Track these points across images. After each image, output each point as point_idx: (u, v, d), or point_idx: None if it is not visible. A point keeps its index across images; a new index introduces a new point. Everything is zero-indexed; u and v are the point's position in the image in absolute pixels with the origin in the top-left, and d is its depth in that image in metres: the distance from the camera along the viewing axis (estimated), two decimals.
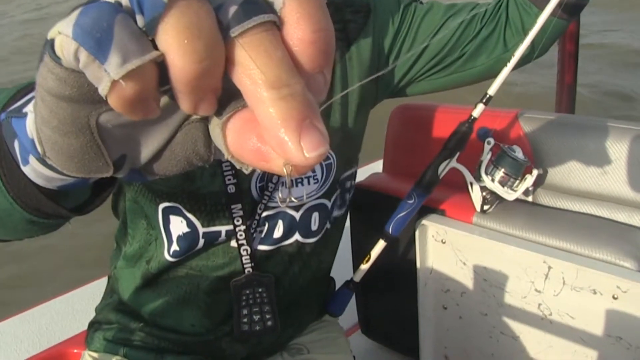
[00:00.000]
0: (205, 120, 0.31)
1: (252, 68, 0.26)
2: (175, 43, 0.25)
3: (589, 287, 1.01)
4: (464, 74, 1.07)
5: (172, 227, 0.95)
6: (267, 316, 1.00)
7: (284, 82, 0.26)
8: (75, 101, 0.30)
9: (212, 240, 0.95)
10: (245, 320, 0.99)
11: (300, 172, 0.28)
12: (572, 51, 1.79)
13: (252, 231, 0.97)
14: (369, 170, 1.53)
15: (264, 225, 0.98)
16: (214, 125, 0.30)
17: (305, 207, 0.99)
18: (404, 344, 1.43)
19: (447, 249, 1.17)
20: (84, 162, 0.33)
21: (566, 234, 1.04)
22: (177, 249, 0.95)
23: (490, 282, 1.13)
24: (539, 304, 1.09)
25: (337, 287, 1.24)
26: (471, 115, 1.05)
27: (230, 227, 0.95)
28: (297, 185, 0.98)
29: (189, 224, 0.94)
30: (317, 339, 1.15)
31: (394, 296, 1.38)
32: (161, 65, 0.26)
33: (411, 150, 1.34)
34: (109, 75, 0.26)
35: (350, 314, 1.32)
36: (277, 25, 0.27)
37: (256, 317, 0.99)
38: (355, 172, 1.10)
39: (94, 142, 0.32)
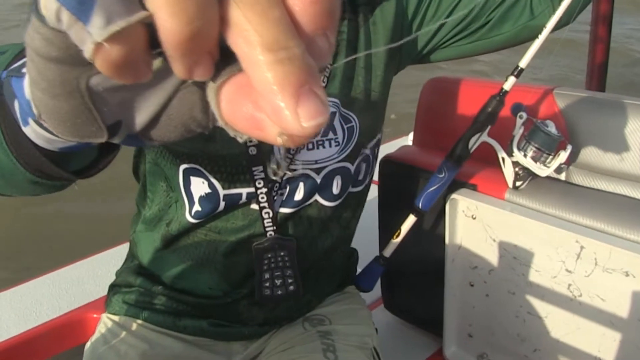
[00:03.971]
0: (203, 85, 0.30)
1: (247, 29, 0.24)
2: (164, 2, 0.24)
3: (621, 269, 1.02)
4: (490, 40, 1.08)
5: (193, 188, 0.97)
6: (290, 280, 1.02)
7: (281, 45, 0.24)
8: (63, 62, 0.29)
9: (232, 202, 0.98)
10: (267, 284, 1.02)
11: (296, 142, 0.27)
12: (604, 29, 1.79)
13: (273, 194, 0.98)
14: (399, 143, 1.53)
15: (286, 187, 1.00)
16: (210, 90, 0.29)
17: (326, 170, 1.01)
18: (427, 320, 1.45)
19: (477, 225, 1.17)
20: (76, 126, 0.32)
21: (600, 214, 1.04)
22: (200, 209, 0.98)
23: (519, 260, 1.14)
24: (569, 285, 1.09)
25: (359, 260, 1.26)
26: (502, 89, 1.06)
27: (251, 189, 0.97)
28: (317, 148, 0.99)
29: (210, 185, 0.96)
30: (339, 310, 1.17)
31: (419, 271, 1.39)
32: (152, 27, 0.25)
33: (442, 124, 1.34)
34: (92, 37, 0.25)
35: (373, 288, 1.33)
36: None
37: (278, 282, 1.02)
38: (379, 139, 1.11)
39: (85, 106, 0.31)
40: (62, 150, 0.41)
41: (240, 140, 0.30)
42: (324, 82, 1.00)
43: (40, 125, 0.36)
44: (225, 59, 0.27)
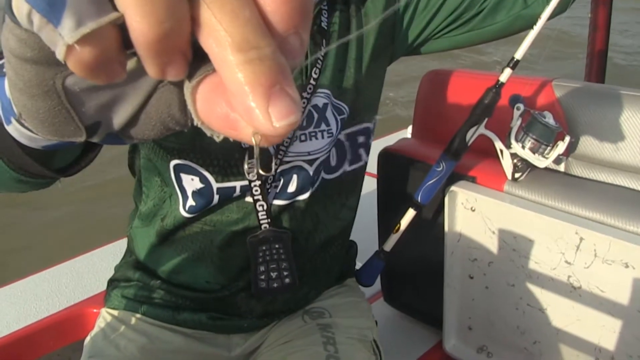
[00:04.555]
0: (181, 83, 0.29)
1: (217, 29, 0.24)
2: (133, 3, 0.24)
3: (621, 260, 1.02)
4: (483, 30, 1.09)
5: (185, 184, 0.97)
6: (285, 273, 1.02)
7: (252, 44, 0.24)
8: (38, 63, 0.29)
9: (226, 195, 0.98)
10: (262, 277, 1.02)
11: (270, 142, 0.27)
12: (604, 17, 1.79)
13: (267, 186, 0.99)
14: (399, 136, 1.53)
15: (279, 180, 1.00)
16: (186, 89, 0.29)
17: (318, 161, 1.01)
18: (427, 313, 1.46)
19: (477, 217, 1.18)
20: (54, 125, 0.32)
21: (599, 206, 1.04)
22: (193, 204, 0.98)
23: (519, 252, 1.14)
24: (569, 276, 1.10)
25: (359, 254, 1.27)
26: (498, 80, 1.06)
27: (245, 182, 0.97)
28: (310, 139, 0.99)
29: (202, 179, 0.96)
30: (339, 303, 1.18)
31: (419, 264, 1.40)
32: (125, 27, 0.25)
33: (441, 116, 1.34)
34: (63, 39, 0.25)
35: None
36: None
37: (274, 274, 1.02)
38: (370, 129, 1.10)
39: (62, 106, 0.31)
40: (45, 149, 0.41)
41: (217, 139, 0.30)
42: (315, 73, 1.00)
43: (22, 124, 0.36)
44: (200, 58, 0.27)
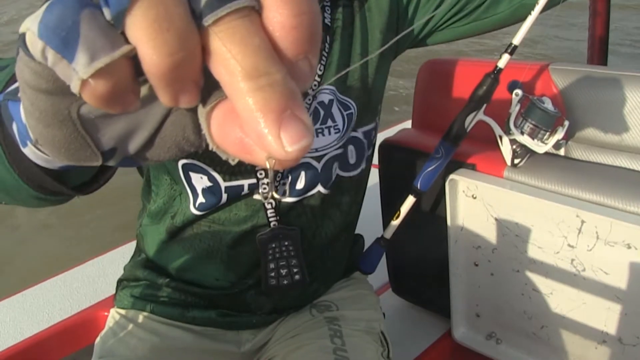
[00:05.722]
0: (195, 106, 0.30)
1: (227, 58, 0.25)
2: (145, 36, 0.25)
3: (623, 242, 1.03)
4: (486, 21, 1.09)
5: (194, 182, 0.99)
6: (295, 270, 1.04)
7: (261, 72, 0.25)
8: (53, 94, 0.30)
9: (235, 194, 0.99)
10: (272, 274, 1.03)
11: (284, 166, 0.27)
12: (603, 3, 1.79)
13: (275, 184, 1.00)
14: (400, 128, 1.54)
15: (287, 177, 1.01)
16: (200, 115, 0.30)
17: (326, 157, 1.02)
18: (435, 302, 1.47)
19: (478, 205, 1.19)
20: (70, 151, 0.33)
21: (600, 187, 1.05)
22: (203, 201, 1.00)
23: (522, 237, 1.15)
24: (572, 260, 1.11)
25: (365, 244, 1.28)
26: (496, 66, 1.07)
27: (253, 180, 0.99)
28: (317, 136, 1.01)
29: (210, 178, 0.98)
30: (346, 296, 1.19)
31: (424, 254, 1.41)
32: (137, 56, 0.26)
33: (440, 105, 1.35)
34: (77, 74, 0.26)
35: (381, 273, 1.35)
36: (256, 9, 0.26)
37: (283, 272, 1.03)
38: (377, 124, 1.12)
39: (77, 134, 0.32)
40: (61, 169, 0.43)
41: (232, 162, 0.31)
42: (320, 70, 1.01)
43: (38, 149, 0.37)
44: (214, 82, 0.27)
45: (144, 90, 0.30)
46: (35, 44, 0.27)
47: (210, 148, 0.30)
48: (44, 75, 0.29)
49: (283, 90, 0.25)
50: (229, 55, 0.25)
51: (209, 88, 0.28)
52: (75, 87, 0.27)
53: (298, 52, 0.26)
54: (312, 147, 1.00)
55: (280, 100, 0.25)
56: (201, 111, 0.29)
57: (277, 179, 1.01)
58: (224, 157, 0.30)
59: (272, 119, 0.25)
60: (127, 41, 0.26)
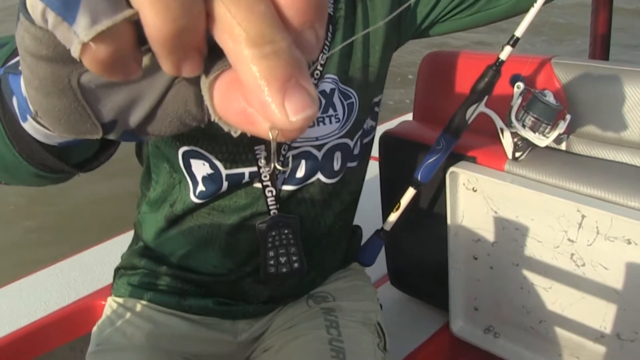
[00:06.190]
0: (197, 78, 0.30)
1: (232, 24, 0.24)
2: (148, 1, 0.24)
3: (623, 237, 1.02)
4: (488, 12, 1.09)
5: (194, 170, 0.99)
6: (294, 258, 1.04)
7: (267, 39, 0.24)
8: (53, 61, 0.29)
9: (235, 182, 0.99)
10: (272, 262, 1.03)
11: (287, 137, 0.27)
12: None
13: (276, 172, 1.00)
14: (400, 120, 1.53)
15: (288, 165, 1.01)
16: (203, 85, 0.29)
17: (327, 146, 1.02)
18: (433, 295, 1.47)
19: (478, 198, 1.18)
20: (70, 123, 0.32)
21: (600, 182, 1.05)
22: (203, 189, 1.00)
23: (522, 231, 1.15)
24: (572, 254, 1.10)
25: (364, 237, 1.27)
26: (498, 58, 1.06)
27: (254, 168, 0.99)
28: (318, 124, 1.00)
29: (212, 166, 0.98)
30: (343, 287, 1.19)
31: (423, 247, 1.41)
32: (140, 23, 0.25)
33: (441, 97, 1.34)
34: (78, 37, 0.26)
35: (379, 265, 1.35)
36: None
37: (282, 259, 1.03)
38: (377, 114, 1.12)
39: (78, 104, 0.31)
40: (61, 145, 0.42)
41: (234, 134, 0.30)
42: (322, 60, 1.01)
43: (38, 122, 0.36)
44: (216, 53, 0.27)
45: (146, 60, 0.29)
46: (35, 6, 0.27)
47: (212, 119, 0.30)
48: (44, 40, 0.29)
49: (288, 58, 0.25)
50: (234, 21, 0.24)
51: (212, 59, 0.28)
52: (75, 51, 0.26)
53: (304, 20, 0.26)
54: (313, 135, 1.00)
55: (285, 68, 0.25)
56: (204, 81, 0.29)
57: (282, 155, 1.00)
58: (225, 129, 0.30)
59: (277, 87, 0.25)
60: (129, 5, 0.25)
